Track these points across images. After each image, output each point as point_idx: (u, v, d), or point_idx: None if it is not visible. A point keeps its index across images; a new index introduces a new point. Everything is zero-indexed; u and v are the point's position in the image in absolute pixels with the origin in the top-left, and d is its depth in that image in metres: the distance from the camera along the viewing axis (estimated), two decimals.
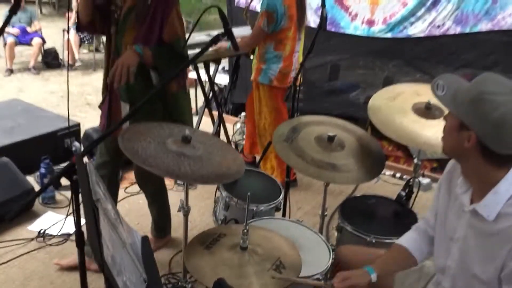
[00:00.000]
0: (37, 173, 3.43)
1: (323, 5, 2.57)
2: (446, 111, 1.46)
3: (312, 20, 4.32)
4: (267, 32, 3.21)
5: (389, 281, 1.80)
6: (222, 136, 3.82)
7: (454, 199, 1.51)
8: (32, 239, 2.86)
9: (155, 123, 2.08)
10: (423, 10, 3.94)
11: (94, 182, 1.42)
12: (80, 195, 1.34)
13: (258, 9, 4.58)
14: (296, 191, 3.64)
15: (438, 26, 3.91)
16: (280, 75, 3.31)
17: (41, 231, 2.90)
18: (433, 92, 1.42)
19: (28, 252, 2.75)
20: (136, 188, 3.55)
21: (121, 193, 3.48)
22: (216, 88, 3.90)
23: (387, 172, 4.01)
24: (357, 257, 1.91)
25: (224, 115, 4.13)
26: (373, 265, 1.63)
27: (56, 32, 8.23)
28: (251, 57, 3.57)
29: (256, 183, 2.60)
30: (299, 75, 2.66)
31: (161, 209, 2.86)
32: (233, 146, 4.20)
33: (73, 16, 6.43)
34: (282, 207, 2.55)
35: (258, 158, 3.96)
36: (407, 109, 2.36)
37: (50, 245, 2.82)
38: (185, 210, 2.15)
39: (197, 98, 5.34)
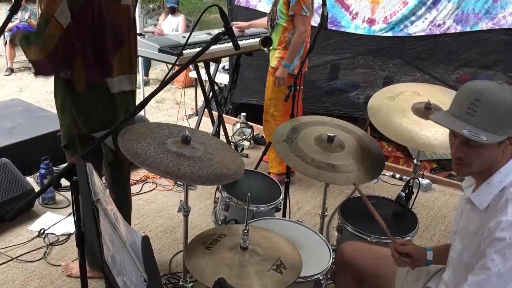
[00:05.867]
0: (37, 174, 3.43)
1: (324, 4, 2.57)
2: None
3: (313, 19, 4.31)
4: (307, 16, 3.26)
5: (390, 281, 1.81)
6: (222, 137, 3.83)
7: (463, 197, 1.59)
8: (32, 239, 2.86)
9: (154, 123, 2.08)
10: (423, 9, 3.94)
11: (94, 182, 1.42)
12: (80, 196, 1.34)
13: (258, 8, 4.61)
14: (296, 192, 3.64)
15: (439, 25, 3.90)
16: (299, 63, 3.34)
17: (41, 231, 2.90)
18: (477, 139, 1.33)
19: (28, 252, 2.75)
20: (136, 188, 3.55)
21: None
22: (216, 87, 3.89)
23: (387, 173, 4.01)
24: (364, 253, 1.92)
25: (224, 116, 4.14)
26: (432, 247, 1.72)
27: None
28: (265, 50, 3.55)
29: (256, 183, 2.59)
30: (300, 75, 2.66)
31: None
32: (233, 147, 4.20)
33: None
34: (282, 207, 2.55)
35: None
36: (406, 109, 2.36)
37: (51, 245, 2.82)
38: (185, 210, 2.15)
39: (197, 98, 5.35)
